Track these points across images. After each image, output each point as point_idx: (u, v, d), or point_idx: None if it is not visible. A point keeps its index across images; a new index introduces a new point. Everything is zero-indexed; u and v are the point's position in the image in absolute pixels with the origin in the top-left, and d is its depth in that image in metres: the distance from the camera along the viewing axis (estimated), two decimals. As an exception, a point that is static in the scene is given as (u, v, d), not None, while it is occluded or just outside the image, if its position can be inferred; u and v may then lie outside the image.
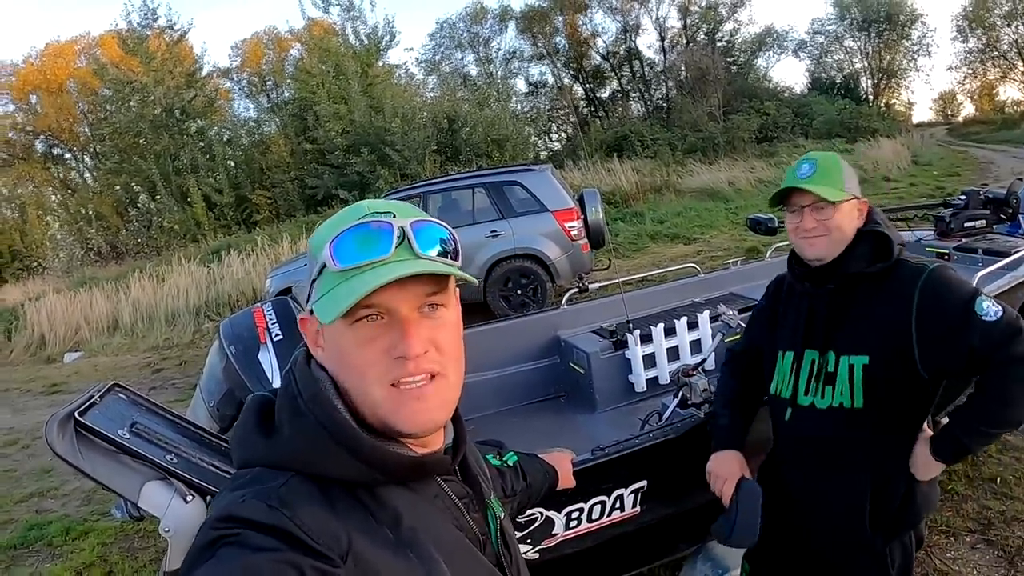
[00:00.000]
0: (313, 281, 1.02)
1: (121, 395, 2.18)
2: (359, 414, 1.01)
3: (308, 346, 1.08)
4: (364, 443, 0.98)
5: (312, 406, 1.00)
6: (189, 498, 1.91)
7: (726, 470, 2.26)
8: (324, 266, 0.98)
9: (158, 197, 23.16)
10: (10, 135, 32.88)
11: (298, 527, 0.88)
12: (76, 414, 1.87)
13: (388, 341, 0.97)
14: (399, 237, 0.98)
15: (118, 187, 25.79)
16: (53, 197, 31.48)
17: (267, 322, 3.41)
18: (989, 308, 1.88)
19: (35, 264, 25.40)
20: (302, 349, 1.10)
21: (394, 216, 1.00)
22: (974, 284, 3.46)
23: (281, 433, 1.01)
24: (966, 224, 5.19)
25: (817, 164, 2.05)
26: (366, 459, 0.97)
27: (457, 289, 1.12)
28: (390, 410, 0.98)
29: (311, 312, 1.03)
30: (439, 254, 1.01)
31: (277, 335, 3.33)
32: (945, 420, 2.06)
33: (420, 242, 0.99)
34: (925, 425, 2.09)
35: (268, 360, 3.23)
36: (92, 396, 2.02)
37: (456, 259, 1.04)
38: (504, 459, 1.71)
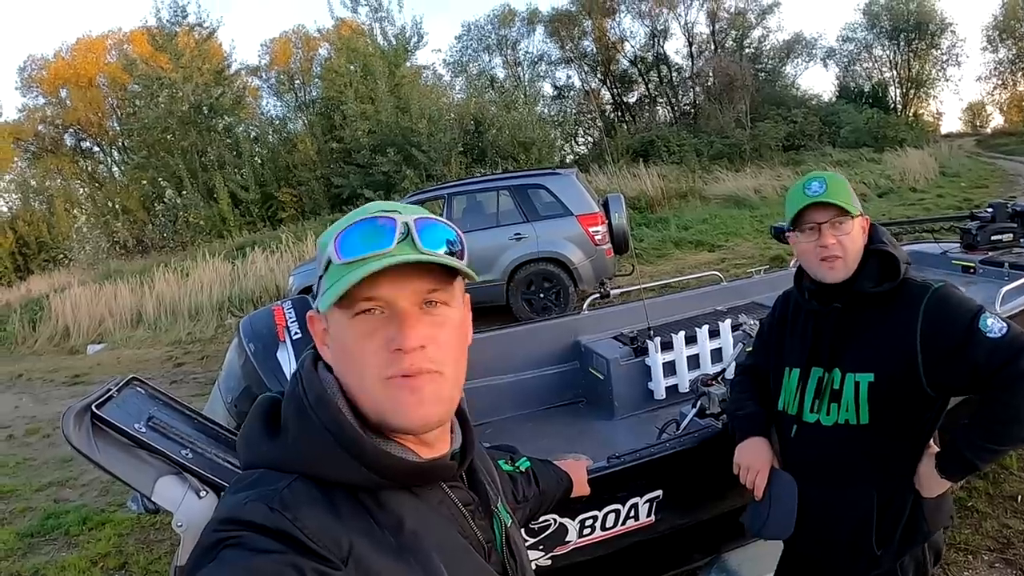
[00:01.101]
0: (320, 277, 1.02)
1: (139, 389, 2.19)
2: (363, 415, 1.01)
3: (316, 345, 1.08)
4: (367, 447, 0.98)
5: (317, 408, 1.00)
6: (203, 494, 1.91)
7: (757, 460, 2.26)
8: (330, 261, 0.98)
9: (184, 193, 23.40)
10: (40, 128, 33.29)
11: (300, 530, 0.88)
12: (93, 407, 1.88)
13: (387, 334, 0.96)
14: (402, 233, 0.97)
15: (145, 182, 26.07)
16: (81, 190, 31.89)
17: (287, 320, 3.42)
18: (994, 325, 1.87)
19: (61, 256, 25.70)
20: (310, 352, 1.10)
21: (399, 213, 1.00)
22: (999, 298, 3.46)
23: (286, 435, 1.01)
24: (993, 237, 5.14)
25: (827, 181, 2.01)
26: (369, 463, 0.97)
27: (467, 295, 1.11)
28: (385, 405, 0.98)
29: (317, 309, 1.04)
30: (450, 252, 1.00)
31: (296, 334, 3.33)
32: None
33: (424, 239, 0.98)
34: (932, 441, 2.07)
35: (287, 358, 3.24)
36: (110, 389, 2.03)
37: (462, 259, 1.03)
38: (516, 465, 1.70)
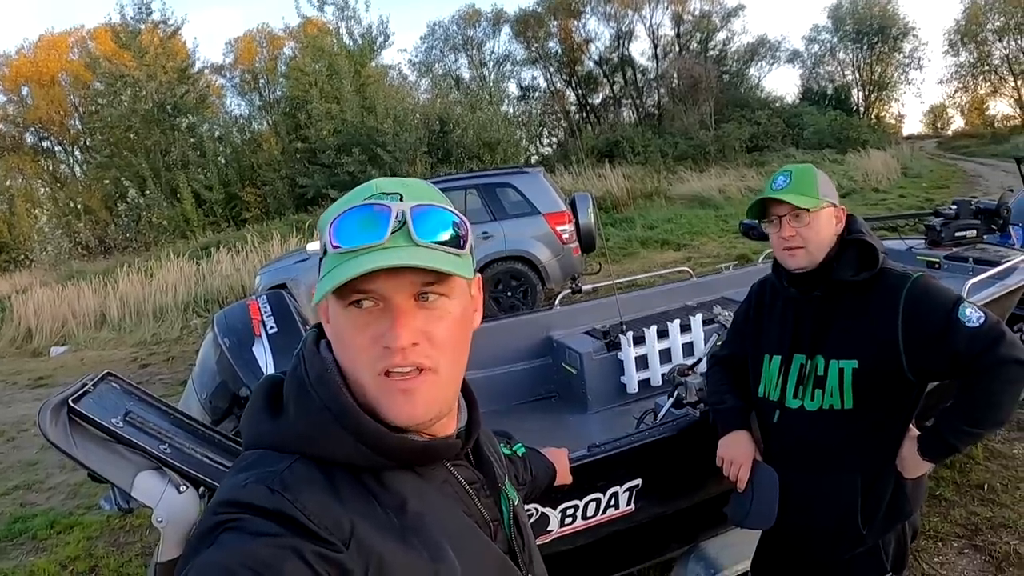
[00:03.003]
0: (321, 259, 0.99)
1: (115, 384, 2.17)
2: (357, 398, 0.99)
3: (321, 323, 1.06)
4: (368, 427, 0.95)
5: (317, 387, 0.97)
6: (183, 488, 1.90)
7: (740, 453, 2.30)
8: (326, 246, 0.96)
9: (147, 192, 23.13)
10: (0, 126, 32.76)
11: (300, 511, 0.86)
12: (70, 401, 1.86)
13: (378, 329, 0.94)
14: (398, 222, 0.93)
15: (107, 181, 25.75)
16: (42, 190, 31.39)
17: (262, 315, 3.38)
18: (972, 314, 1.93)
19: (22, 257, 25.25)
20: (312, 330, 1.08)
21: (400, 199, 0.96)
22: (964, 292, 3.52)
23: (287, 414, 0.99)
24: (957, 233, 5.22)
25: (792, 175, 2.09)
26: (370, 443, 0.95)
27: (479, 276, 1.09)
28: (377, 398, 0.96)
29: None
30: (450, 238, 0.96)
31: (272, 328, 3.30)
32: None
33: (420, 228, 0.94)
34: (912, 425, 2.12)
35: (262, 353, 3.20)
36: (85, 384, 2.01)
37: (464, 246, 0.99)
38: (513, 449, 1.70)
